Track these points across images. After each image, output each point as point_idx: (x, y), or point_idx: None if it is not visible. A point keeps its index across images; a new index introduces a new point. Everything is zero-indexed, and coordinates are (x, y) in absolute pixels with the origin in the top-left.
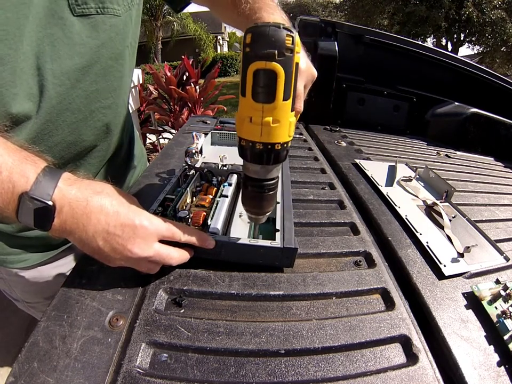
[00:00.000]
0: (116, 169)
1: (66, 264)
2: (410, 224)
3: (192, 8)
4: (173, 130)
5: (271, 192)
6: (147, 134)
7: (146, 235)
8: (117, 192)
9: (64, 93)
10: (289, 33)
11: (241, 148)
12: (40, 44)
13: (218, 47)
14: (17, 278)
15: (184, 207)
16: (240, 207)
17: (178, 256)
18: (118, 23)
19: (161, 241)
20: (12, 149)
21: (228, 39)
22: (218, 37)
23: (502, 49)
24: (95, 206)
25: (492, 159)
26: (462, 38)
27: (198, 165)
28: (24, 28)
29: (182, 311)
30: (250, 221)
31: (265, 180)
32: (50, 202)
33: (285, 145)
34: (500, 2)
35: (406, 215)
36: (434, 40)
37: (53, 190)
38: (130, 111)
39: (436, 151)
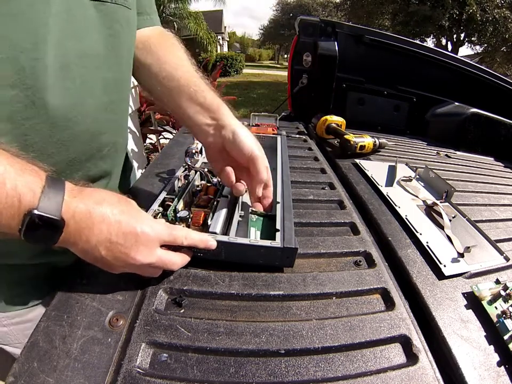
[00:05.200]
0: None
1: None
2: (410, 224)
3: (192, 8)
4: (173, 130)
5: None
6: (147, 134)
7: (148, 242)
8: (117, 200)
9: (86, 75)
10: None
11: None
12: (63, 21)
13: (219, 47)
14: (19, 323)
15: (184, 207)
16: (240, 207)
17: (181, 261)
18: (128, 15)
19: (163, 245)
20: (8, 156)
21: (228, 39)
22: (218, 37)
23: (502, 49)
24: (97, 216)
25: (492, 159)
26: (462, 38)
27: (198, 165)
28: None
29: (182, 311)
30: None
31: None
32: (59, 219)
33: None
34: (502, 1)
35: (406, 215)
36: (434, 40)
37: (61, 205)
38: (130, 111)
39: (435, 151)
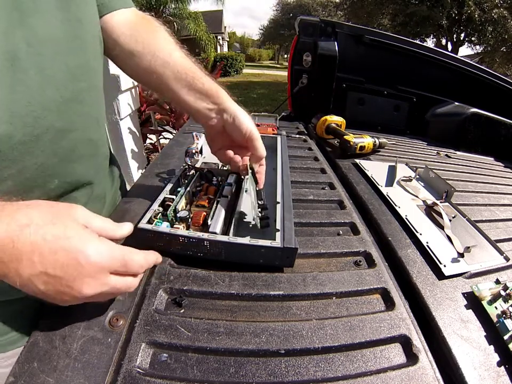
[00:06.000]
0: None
1: None
2: (410, 224)
3: (192, 8)
4: (173, 130)
5: None
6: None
7: (96, 272)
8: (52, 217)
9: (42, 64)
10: None
11: None
12: (8, 8)
13: (218, 47)
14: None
15: (184, 207)
16: (240, 207)
17: (137, 281)
18: (78, 2)
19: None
20: None
21: (228, 39)
22: (218, 37)
23: (502, 49)
24: (24, 245)
25: (492, 159)
26: (462, 38)
27: (198, 165)
28: None
29: (182, 311)
30: None
31: None
32: None
33: None
34: (501, 1)
35: (406, 215)
36: (434, 40)
37: None
38: (130, 112)
39: (436, 151)
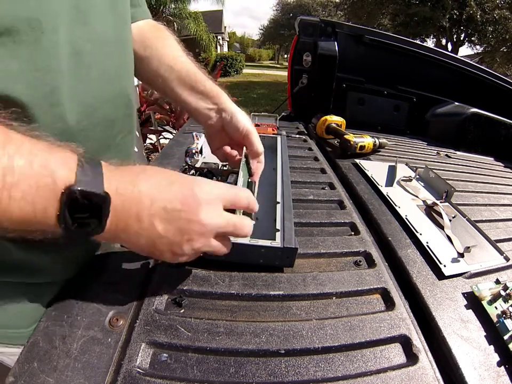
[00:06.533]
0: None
1: None
2: (410, 224)
3: (192, 8)
4: (173, 130)
5: None
6: (147, 134)
7: (211, 200)
8: (159, 168)
9: (100, 61)
10: None
11: None
12: (70, 7)
13: (218, 47)
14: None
15: None
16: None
17: (250, 224)
18: (123, 7)
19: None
20: (27, 138)
21: (228, 39)
22: (218, 37)
23: (502, 49)
24: (143, 186)
25: (492, 159)
26: (462, 38)
27: (198, 165)
28: None
29: (182, 311)
30: None
31: None
32: (103, 194)
33: None
34: (502, 2)
35: (406, 215)
36: (435, 40)
37: (101, 179)
38: None
39: (436, 151)
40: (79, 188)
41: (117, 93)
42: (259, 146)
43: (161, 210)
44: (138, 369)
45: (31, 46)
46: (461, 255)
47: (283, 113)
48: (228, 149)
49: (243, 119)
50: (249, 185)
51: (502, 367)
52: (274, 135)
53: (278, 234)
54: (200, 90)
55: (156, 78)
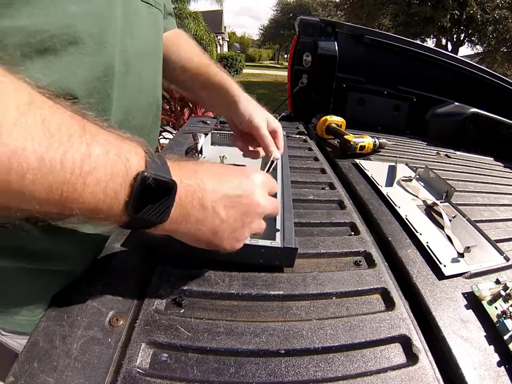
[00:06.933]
0: None
1: None
2: (410, 224)
3: (192, 8)
4: (173, 131)
5: None
6: None
7: (262, 185)
8: (212, 162)
9: (142, 71)
10: None
11: None
12: (122, 21)
13: (218, 47)
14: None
15: None
16: None
17: (279, 204)
18: (160, 20)
19: None
20: (101, 129)
21: (228, 39)
22: (218, 37)
23: (502, 49)
24: (204, 176)
25: (492, 159)
26: (462, 38)
27: None
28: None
29: (182, 311)
30: None
31: None
32: (171, 181)
33: None
34: (502, 1)
35: (406, 215)
36: (435, 40)
37: (168, 167)
38: None
39: (435, 151)
40: (151, 173)
41: (151, 101)
42: (266, 139)
43: (223, 197)
44: (138, 369)
45: (94, 57)
46: (461, 255)
47: (283, 113)
48: (243, 145)
49: (249, 107)
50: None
51: (502, 367)
52: None
53: (278, 234)
54: (211, 84)
55: (178, 77)
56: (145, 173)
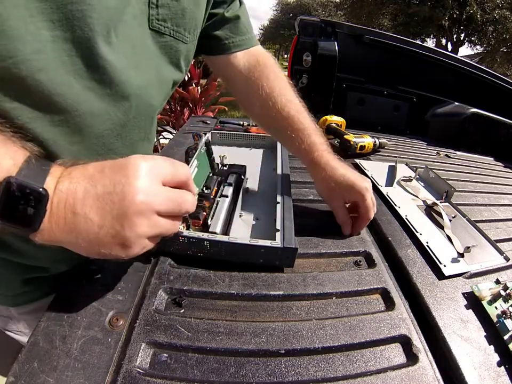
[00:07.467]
0: None
1: None
2: (410, 224)
3: None
4: (173, 131)
5: None
6: None
7: (146, 175)
8: (104, 161)
9: (141, 103)
10: None
11: None
12: (126, 45)
13: None
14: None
15: None
16: (240, 207)
17: (192, 199)
18: (183, 49)
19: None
20: None
21: None
22: None
23: (502, 49)
24: (78, 177)
25: (492, 159)
26: (462, 38)
27: None
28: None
29: (182, 311)
30: None
31: None
32: (41, 189)
33: None
34: (502, 1)
35: (406, 215)
36: (435, 40)
37: (45, 175)
38: None
39: (435, 151)
40: (17, 180)
41: (143, 137)
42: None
43: (94, 198)
44: (138, 369)
45: (113, 97)
46: (461, 255)
47: None
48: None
49: (343, 171)
50: (208, 180)
51: (502, 367)
52: None
53: (278, 234)
54: (299, 143)
55: (266, 117)
56: (11, 179)
